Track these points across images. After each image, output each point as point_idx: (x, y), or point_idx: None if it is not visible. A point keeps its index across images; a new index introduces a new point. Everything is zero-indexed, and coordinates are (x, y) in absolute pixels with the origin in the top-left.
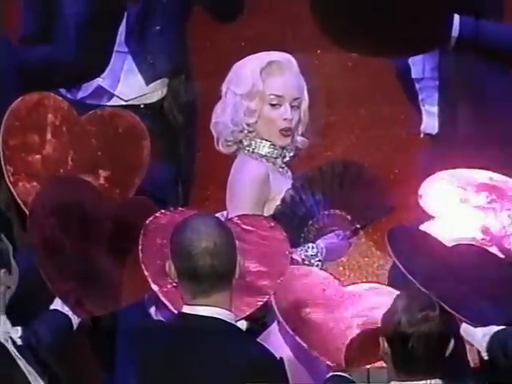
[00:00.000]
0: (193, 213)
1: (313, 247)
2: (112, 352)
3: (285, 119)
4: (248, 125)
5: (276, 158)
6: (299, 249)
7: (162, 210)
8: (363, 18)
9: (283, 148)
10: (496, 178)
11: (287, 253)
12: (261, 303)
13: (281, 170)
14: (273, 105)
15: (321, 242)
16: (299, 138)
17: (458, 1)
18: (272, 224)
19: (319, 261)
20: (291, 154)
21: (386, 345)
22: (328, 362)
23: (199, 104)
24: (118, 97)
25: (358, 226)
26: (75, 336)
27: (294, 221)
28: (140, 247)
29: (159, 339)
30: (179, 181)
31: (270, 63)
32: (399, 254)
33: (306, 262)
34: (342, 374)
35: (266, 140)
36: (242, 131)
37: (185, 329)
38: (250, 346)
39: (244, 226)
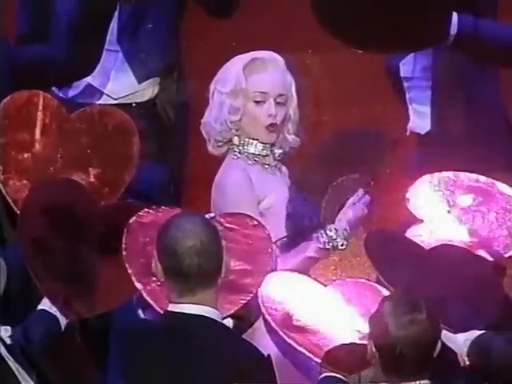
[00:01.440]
0: (176, 212)
1: (330, 229)
2: (105, 351)
3: (269, 115)
4: (232, 122)
5: (266, 155)
6: (318, 235)
7: (145, 209)
8: (363, 13)
9: (272, 145)
10: (483, 180)
11: (270, 250)
12: (244, 301)
13: (270, 169)
14: (257, 101)
15: (338, 219)
16: (291, 137)
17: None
18: (255, 222)
19: (344, 239)
20: (281, 151)
21: (373, 348)
22: (319, 361)
23: (192, 103)
24: (108, 95)
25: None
26: (68, 335)
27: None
28: (123, 246)
29: (146, 339)
30: (172, 180)
31: (254, 60)
32: (377, 261)
33: (329, 245)
34: (335, 374)
35: (253, 138)
36: (229, 130)
37: (172, 327)
38: (238, 345)
39: (227, 225)
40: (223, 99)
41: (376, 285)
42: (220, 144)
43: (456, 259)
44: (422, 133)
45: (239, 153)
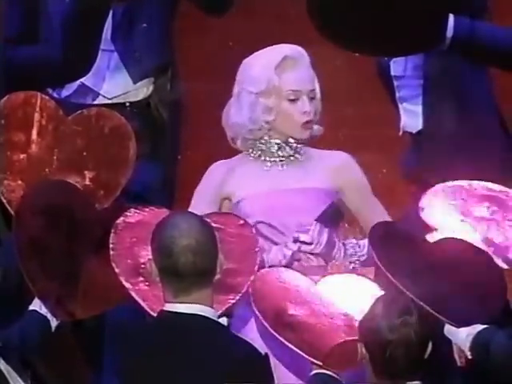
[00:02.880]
0: (163, 211)
1: (353, 245)
2: (99, 351)
3: (304, 112)
4: (267, 122)
5: (278, 145)
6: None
7: (132, 209)
8: (359, 17)
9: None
10: (496, 188)
11: (257, 249)
12: (233, 301)
13: (269, 165)
14: (291, 100)
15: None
16: (315, 127)
17: (451, 2)
18: (241, 222)
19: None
20: (292, 147)
21: (364, 351)
22: (313, 360)
23: (186, 103)
24: (102, 95)
25: None
26: (61, 335)
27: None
28: (111, 246)
29: (142, 339)
30: (166, 180)
31: (285, 58)
32: (381, 254)
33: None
34: (326, 371)
35: (288, 137)
36: (260, 129)
37: (168, 327)
38: (236, 344)
39: (213, 224)
40: (254, 99)
41: (366, 279)
42: (249, 142)
43: (460, 253)
44: (413, 132)
45: (260, 150)
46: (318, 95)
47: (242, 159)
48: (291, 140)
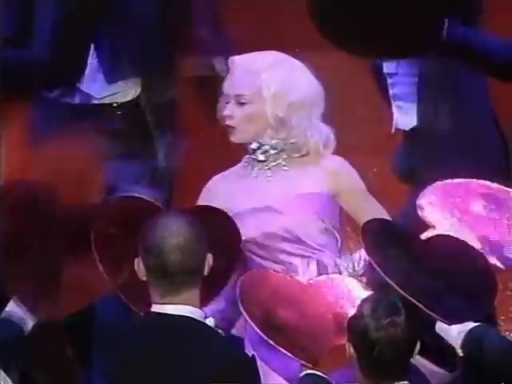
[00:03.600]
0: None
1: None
2: (89, 349)
3: (224, 116)
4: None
5: (254, 150)
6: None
7: (112, 207)
8: (357, 19)
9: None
10: (494, 187)
11: (241, 246)
12: (216, 296)
13: (257, 172)
14: (226, 103)
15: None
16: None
17: (443, 5)
18: (223, 215)
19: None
20: (269, 152)
21: (351, 350)
22: (302, 362)
23: (177, 102)
24: (91, 96)
25: None
26: (51, 333)
27: None
28: (93, 244)
29: (130, 340)
30: (157, 180)
31: (229, 63)
32: (374, 252)
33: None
34: (316, 372)
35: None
36: None
37: (156, 329)
38: (223, 345)
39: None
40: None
41: (354, 279)
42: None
43: (452, 250)
44: (406, 129)
45: (247, 157)
46: (260, 106)
47: (236, 171)
48: (264, 144)
